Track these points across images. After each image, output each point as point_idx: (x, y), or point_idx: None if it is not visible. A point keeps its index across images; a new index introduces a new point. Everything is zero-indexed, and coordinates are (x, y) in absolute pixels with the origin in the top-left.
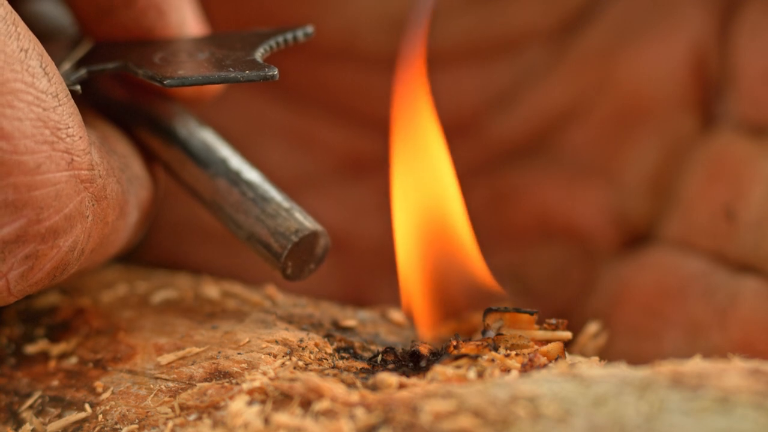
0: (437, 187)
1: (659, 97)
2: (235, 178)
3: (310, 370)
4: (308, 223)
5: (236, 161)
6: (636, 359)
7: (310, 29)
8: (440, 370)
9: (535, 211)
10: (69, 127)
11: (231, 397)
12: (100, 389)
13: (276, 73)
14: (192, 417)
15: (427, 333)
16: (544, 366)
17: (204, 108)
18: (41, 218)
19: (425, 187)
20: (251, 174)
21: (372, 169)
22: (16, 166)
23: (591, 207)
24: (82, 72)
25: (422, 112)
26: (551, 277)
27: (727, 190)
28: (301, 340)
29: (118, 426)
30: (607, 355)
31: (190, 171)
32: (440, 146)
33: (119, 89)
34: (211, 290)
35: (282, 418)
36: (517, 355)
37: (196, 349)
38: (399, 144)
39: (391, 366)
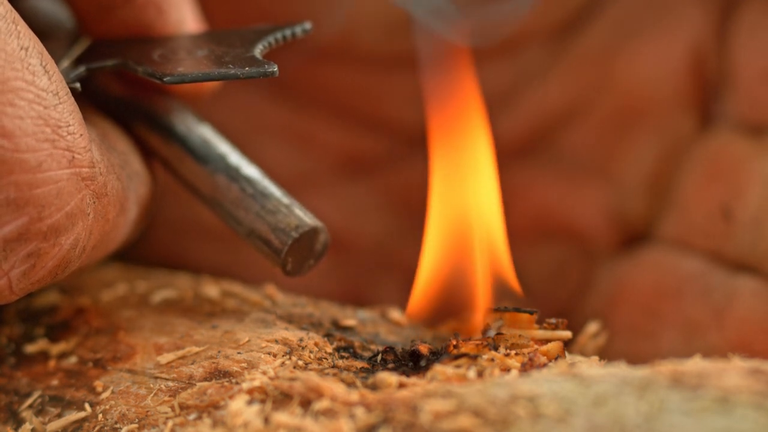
0: (474, 186)
1: (658, 96)
2: (235, 174)
3: (310, 370)
4: (308, 219)
5: (235, 157)
6: (633, 359)
7: (308, 26)
8: (440, 369)
9: (533, 211)
10: (70, 125)
11: (231, 397)
12: (99, 389)
13: (276, 69)
14: (192, 416)
15: (437, 330)
16: (544, 366)
17: (202, 106)
18: (43, 216)
19: (463, 186)
20: (250, 170)
21: (371, 169)
22: (17, 164)
23: (589, 207)
24: (82, 70)
25: (470, 119)
26: (549, 277)
27: (724, 189)
28: (301, 340)
29: (117, 425)
30: (604, 354)
31: (189, 167)
32: (486, 150)
33: (117, 86)
34: (211, 290)
35: (282, 417)
36: (517, 354)
37: (195, 349)
38: (442, 150)
39: (391, 365)
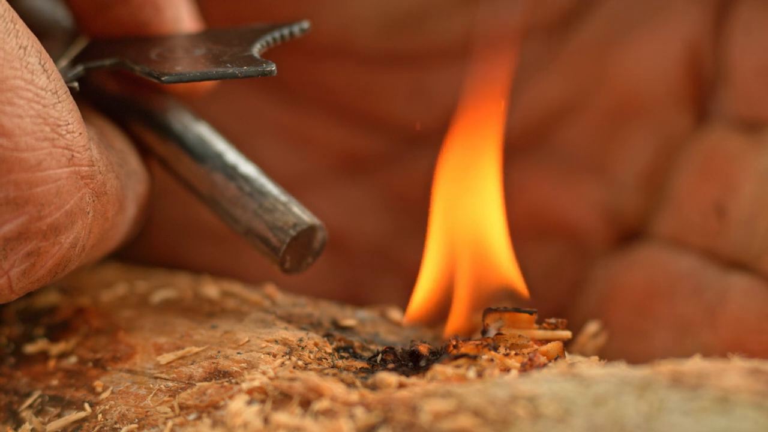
0: (479, 193)
1: (653, 93)
2: (232, 173)
3: (310, 370)
4: (306, 216)
5: (232, 155)
6: (627, 358)
7: (306, 24)
8: (440, 369)
9: (529, 208)
10: (69, 124)
11: (230, 397)
12: (99, 389)
13: (274, 68)
14: (191, 416)
15: (452, 330)
16: (544, 366)
17: (198, 104)
18: (42, 215)
19: (468, 193)
20: (247, 168)
21: (369, 168)
22: (17, 163)
23: (584, 204)
24: (79, 69)
25: (486, 131)
26: (544, 275)
27: (718, 186)
28: (301, 340)
29: (117, 425)
30: (598, 354)
31: (186, 165)
32: (493, 164)
33: (113, 84)
34: (211, 290)
35: (281, 417)
36: (516, 354)
37: (195, 349)
38: (451, 155)
39: (390, 365)
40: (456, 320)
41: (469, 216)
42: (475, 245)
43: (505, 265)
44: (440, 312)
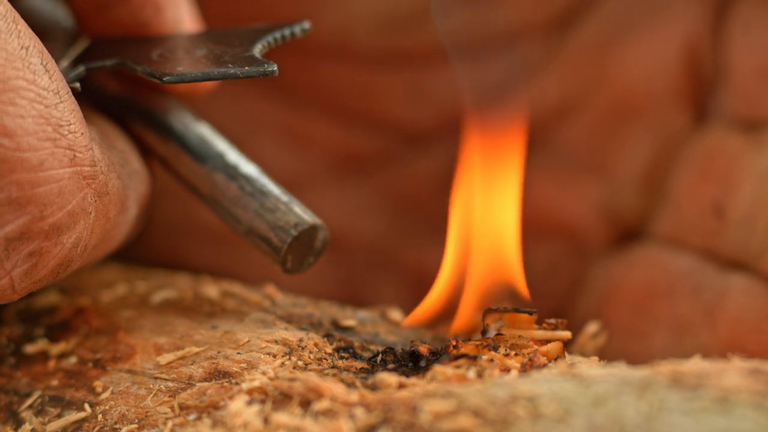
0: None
1: (652, 92)
2: (233, 172)
3: (310, 370)
4: (307, 216)
5: (233, 155)
6: (627, 358)
7: (306, 25)
8: (440, 369)
9: (528, 208)
10: (71, 124)
11: (230, 397)
12: (99, 389)
13: (275, 68)
14: (191, 417)
15: (458, 329)
16: (544, 366)
17: (198, 104)
18: (44, 215)
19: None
20: (249, 168)
21: (369, 168)
22: (19, 163)
23: (583, 203)
24: (81, 69)
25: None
26: (543, 275)
27: (717, 186)
28: (301, 340)
29: (117, 426)
30: (598, 354)
31: (187, 165)
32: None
33: (114, 84)
34: (211, 290)
35: (281, 417)
36: (516, 355)
37: (195, 349)
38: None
39: (390, 366)
40: (461, 320)
41: (487, 218)
42: (490, 248)
43: (512, 266)
44: (445, 313)
